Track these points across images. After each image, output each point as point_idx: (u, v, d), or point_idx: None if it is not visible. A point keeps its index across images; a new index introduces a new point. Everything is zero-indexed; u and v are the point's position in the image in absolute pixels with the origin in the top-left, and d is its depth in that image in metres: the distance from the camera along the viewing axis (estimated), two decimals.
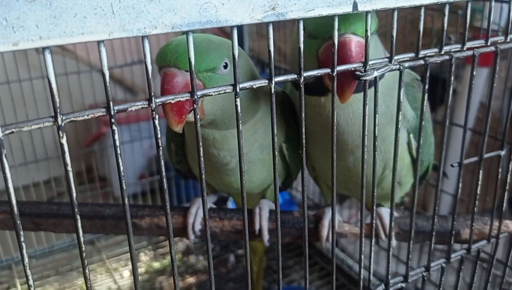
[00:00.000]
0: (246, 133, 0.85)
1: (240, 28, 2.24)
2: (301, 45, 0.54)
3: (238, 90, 0.52)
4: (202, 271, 2.00)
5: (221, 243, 2.17)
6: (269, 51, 0.52)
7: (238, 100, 0.52)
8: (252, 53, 2.28)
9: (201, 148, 0.52)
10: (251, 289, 1.51)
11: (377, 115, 0.65)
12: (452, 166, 0.76)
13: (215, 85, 0.74)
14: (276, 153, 0.58)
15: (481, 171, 0.79)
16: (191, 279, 1.97)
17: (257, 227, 0.93)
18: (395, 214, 0.97)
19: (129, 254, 0.53)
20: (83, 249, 0.49)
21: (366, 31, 0.58)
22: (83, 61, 2.28)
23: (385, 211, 0.95)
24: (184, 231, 0.95)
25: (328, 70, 0.58)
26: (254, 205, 0.98)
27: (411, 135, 0.90)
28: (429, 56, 0.65)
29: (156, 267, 2.04)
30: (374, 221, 0.71)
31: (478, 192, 0.80)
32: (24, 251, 0.47)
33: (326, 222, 0.92)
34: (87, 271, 0.50)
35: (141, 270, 2.02)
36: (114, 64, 2.19)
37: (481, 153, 0.78)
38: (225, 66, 0.76)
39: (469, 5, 0.66)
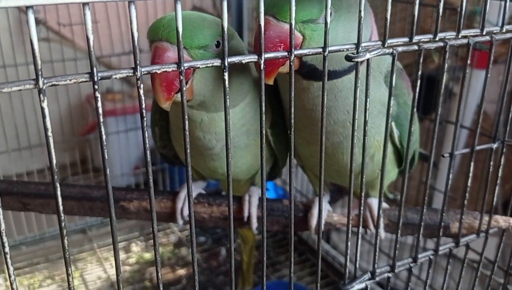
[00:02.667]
0: (234, 116, 0.84)
1: (240, 23, 2.23)
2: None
3: (226, 63, 0.51)
4: None
5: (213, 237, 2.17)
6: (259, 25, 0.52)
7: (226, 74, 0.52)
8: (251, 48, 2.28)
9: (187, 131, 0.51)
10: (242, 280, 1.51)
11: (368, 101, 0.64)
12: (443, 156, 0.75)
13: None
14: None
15: (472, 164, 0.78)
16: (181, 271, 1.96)
17: (245, 214, 0.92)
18: (385, 205, 0.96)
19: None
20: (63, 222, 0.49)
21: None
22: (80, 49, 2.27)
23: (375, 202, 0.94)
24: (173, 216, 0.95)
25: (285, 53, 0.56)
26: (244, 192, 0.97)
27: (393, 123, 0.88)
28: (424, 42, 0.65)
29: (147, 258, 2.04)
30: (361, 211, 0.70)
31: (469, 184, 0.80)
32: (4, 236, 0.46)
33: (315, 211, 0.92)
34: (67, 253, 0.49)
35: (132, 260, 2.01)
36: (111, 52, 2.18)
37: (473, 145, 0.77)
38: (217, 45, 0.74)
39: None
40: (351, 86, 0.79)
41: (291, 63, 0.56)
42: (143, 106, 0.49)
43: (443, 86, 0.69)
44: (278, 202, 0.95)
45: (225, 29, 0.50)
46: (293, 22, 0.54)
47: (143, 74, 0.48)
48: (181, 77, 0.50)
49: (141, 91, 0.48)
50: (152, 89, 0.70)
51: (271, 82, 0.72)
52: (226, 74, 0.52)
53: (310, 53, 0.58)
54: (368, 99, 0.64)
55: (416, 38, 0.64)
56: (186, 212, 0.93)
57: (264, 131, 0.57)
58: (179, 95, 0.70)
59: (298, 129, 0.87)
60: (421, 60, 0.65)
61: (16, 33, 2.24)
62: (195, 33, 0.72)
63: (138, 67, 0.47)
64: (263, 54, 0.54)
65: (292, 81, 0.57)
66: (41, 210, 0.97)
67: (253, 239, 1.38)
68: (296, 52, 0.56)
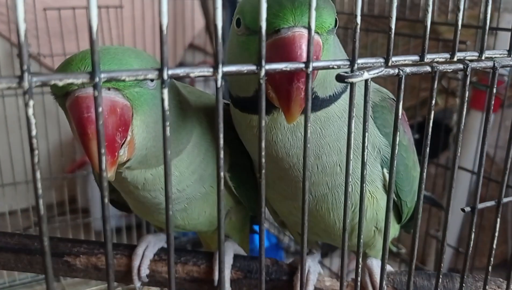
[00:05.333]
0: (181, 165, 0.69)
1: None
2: (263, 24, 0.38)
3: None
4: None
5: None
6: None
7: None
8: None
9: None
10: None
11: (366, 139, 0.49)
12: (463, 210, 0.59)
13: (146, 102, 0.58)
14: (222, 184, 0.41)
15: (498, 220, 0.62)
16: None
17: (215, 277, 0.74)
18: (389, 268, 0.78)
19: None
20: None
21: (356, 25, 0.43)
22: None
23: (376, 265, 0.77)
24: (128, 276, 0.77)
25: (280, 65, 0.42)
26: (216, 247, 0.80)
27: (385, 170, 0.71)
28: (438, 63, 0.50)
29: None
30: (359, 278, 0.54)
31: (494, 246, 0.63)
32: None
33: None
34: None
35: None
36: None
37: (500, 197, 0.61)
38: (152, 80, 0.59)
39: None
40: (340, 117, 0.64)
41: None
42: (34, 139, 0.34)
43: (462, 122, 0.54)
44: (257, 261, 0.78)
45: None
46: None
47: None
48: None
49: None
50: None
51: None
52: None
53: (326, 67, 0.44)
54: (366, 138, 0.49)
55: (429, 57, 0.49)
56: (144, 272, 0.76)
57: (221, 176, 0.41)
58: (121, 151, 0.57)
59: (269, 181, 0.71)
60: (435, 86, 0.50)
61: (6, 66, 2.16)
62: (126, 67, 0.57)
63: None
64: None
65: (262, 110, 0.42)
66: None
67: None
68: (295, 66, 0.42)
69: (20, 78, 0.32)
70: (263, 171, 0.43)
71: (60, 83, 0.34)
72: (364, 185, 0.49)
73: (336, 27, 0.60)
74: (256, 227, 0.96)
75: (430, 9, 0.47)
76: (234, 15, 0.61)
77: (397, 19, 0.47)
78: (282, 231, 0.88)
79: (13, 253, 0.79)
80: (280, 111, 0.60)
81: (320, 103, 0.62)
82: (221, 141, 0.40)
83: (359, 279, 0.54)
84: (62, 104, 0.56)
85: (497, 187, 1.42)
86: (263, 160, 0.43)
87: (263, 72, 0.41)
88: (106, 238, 0.38)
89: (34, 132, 0.34)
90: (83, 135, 0.51)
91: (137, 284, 0.77)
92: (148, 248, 0.77)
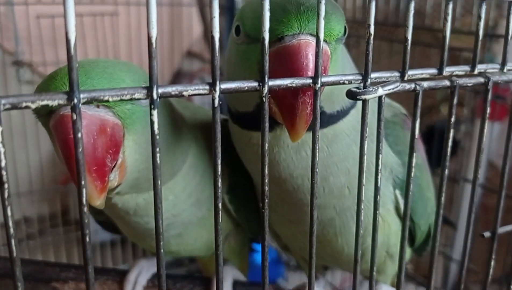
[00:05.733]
0: (176, 187, 0.64)
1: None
2: (266, 36, 0.34)
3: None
4: None
5: None
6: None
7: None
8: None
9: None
10: None
11: (379, 158, 0.44)
12: (482, 236, 0.54)
13: (138, 120, 0.53)
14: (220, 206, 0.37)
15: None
16: None
17: None
18: None
19: None
20: None
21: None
22: None
23: None
24: None
25: (284, 82, 0.37)
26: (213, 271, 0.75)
27: (397, 191, 0.66)
28: (458, 76, 0.45)
29: None
30: None
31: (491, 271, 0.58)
32: None
33: None
34: None
35: None
36: None
37: None
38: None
39: None
40: (349, 134, 0.59)
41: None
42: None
43: (482, 144, 0.50)
44: (259, 287, 0.73)
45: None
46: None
47: None
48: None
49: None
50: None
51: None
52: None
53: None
54: (380, 160, 0.44)
55: (448, 70, 0.45)
56: None
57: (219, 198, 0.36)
58: (112, 176, 0.51)
59: (272, 204, 0.66)
60: (454, 102, 0.45)
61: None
62: (117, 82, 0.52)
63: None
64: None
65: (266, 130, 0.37)
66: None
67: None
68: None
69: None
70: (266, 200, 0.39)
71: (33, 106, 0.29)
72: (378, 211, 0.44)
73: (345, 36, 0.54)
74: (256, 246, 0.91)
75: (449, 18, 0.43)
76: (233, 22, 0.56)
77: (399, 26, 0.42)
78: (286, 254, 0.83)
79: None
80: (283, 127, 0.55)
81: (327, 119, 0.57)
82: (219, 168, 0.35)
83: None
84: (45, 124, 0.50)
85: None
86: (266, 187, 0.38)
87: (266, 89, 0.36)
88: (88, 281, 0.33)
89: (3, 163, 0.29)
90: (68, 158, 0.46)
91: None
92: (141, 274, 0.72)
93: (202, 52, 2.46)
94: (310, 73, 0.47)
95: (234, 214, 0.72)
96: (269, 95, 0.36)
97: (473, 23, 1.69)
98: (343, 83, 0.40)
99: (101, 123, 0.49)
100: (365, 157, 0.42)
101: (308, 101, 0.48)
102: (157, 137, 0.33)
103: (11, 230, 0.30)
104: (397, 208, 0.66)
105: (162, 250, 0.35)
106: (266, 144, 0.37)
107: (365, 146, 0.42)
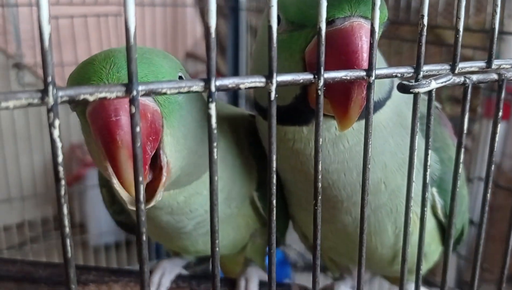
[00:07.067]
0: (207, 185, 0.61)
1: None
2: (322, 26, 0.33)
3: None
4: None
5: None
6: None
7: (212, 106, 0.31)
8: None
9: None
10: None
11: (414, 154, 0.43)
12: None
13: (174, 113, 0.50)
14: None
15: None
16: None
17: None
18: None
19: None
20: None
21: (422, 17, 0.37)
22: None
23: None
24: None
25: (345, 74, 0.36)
26: (239, 272, 0.73)
27: (434, 189, 0.64)
28: (506, 69, 0.44)
29: None
30: None
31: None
32: None
33: None
34: None
35: None
36: None
37: None
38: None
39: None
40: (386, 127, 0.58)
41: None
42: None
43: (495, 147, 0.48)
44: (283, 288, 0.72)
45: (213, 26, 0.29)
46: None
47: None
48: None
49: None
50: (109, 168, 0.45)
51: (346, 128, 0.49)
52: (212, 105, 0.31)
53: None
54: (429, 157, 0.43)
55: (496, 63, 0.43)
56: None
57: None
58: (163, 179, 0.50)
59: (302, 201, 0.64)
60: (502, 96, 0.44)
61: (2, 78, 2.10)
62: (157, 68, 0.50)
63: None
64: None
65: (320, 125, 0.36)
66: None
67: None
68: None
69: (44, 92, 0.26)
70: (319, 197, 0.37)
71: (91, 98, 0.28)
72: (425, 209, 0.43)
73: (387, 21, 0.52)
74: None
75: (498, 10, 0.42)
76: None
77: (402, 24, 0.41)
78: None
79: (15, 282, 0.72)
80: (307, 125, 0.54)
81: (364, 110, 0.55)
82: (274, 164, 0.34)
83: None
84: (82, 112, 0.48)
85: (505, 195, 1.36)
86: (319, 184, 0.37)
87: (321, 82, 0.35)
88: (144, 282, 0.32)
89: (60, 158, 0.28)
90: (109, 143, 0.42)
91: None
92: (164, 276, 0.70)
93: (204, 54, 2.45)
94: (366, 55, 0.45)
95: (262, 212, 0.70)
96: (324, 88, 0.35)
97: (473, 22, 1.69)
98: (396, 76, 0.38)
99: (142, 107, 0.46)
100: (415, 153, 0.41)
101: (364, 84, 0.45)
102: (215, 131, 0.32)
103: (66, 229, 0.29)
104: (432, 207, 0.65)
105: (217, 249, 0.34)
106: (320, 139, 0.36)
107: (415, 140, 0.41)
